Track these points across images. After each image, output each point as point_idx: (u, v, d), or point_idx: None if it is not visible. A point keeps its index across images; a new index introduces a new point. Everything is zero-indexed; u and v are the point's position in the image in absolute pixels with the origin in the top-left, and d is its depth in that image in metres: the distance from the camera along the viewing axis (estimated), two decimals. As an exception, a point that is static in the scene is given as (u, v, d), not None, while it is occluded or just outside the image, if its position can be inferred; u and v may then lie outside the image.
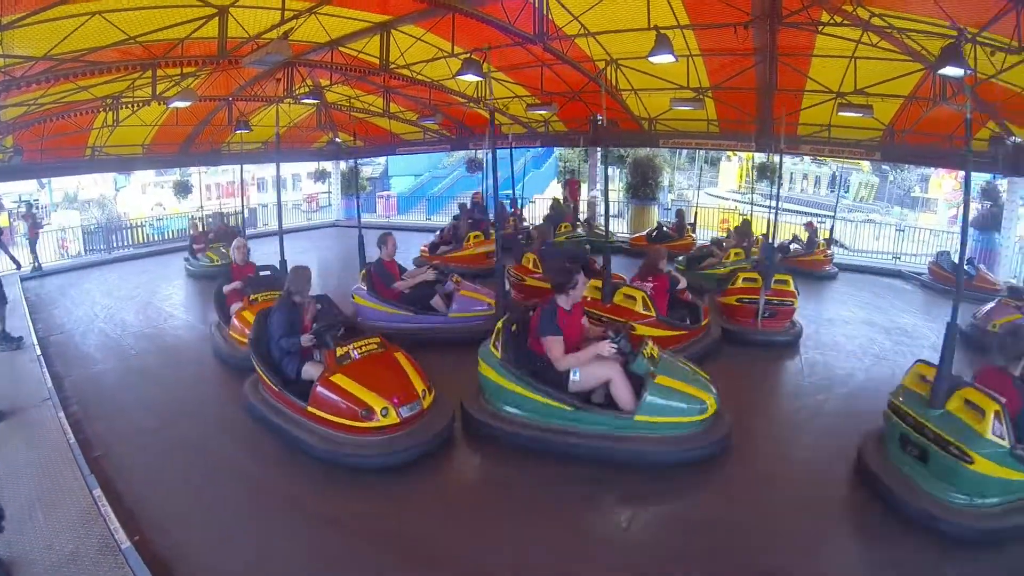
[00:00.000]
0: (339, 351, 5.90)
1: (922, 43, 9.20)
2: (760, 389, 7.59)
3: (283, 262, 9.33)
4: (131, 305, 11.74)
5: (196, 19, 9.54)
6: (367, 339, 6.22)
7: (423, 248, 14.33)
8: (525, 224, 18.45)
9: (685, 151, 32.73)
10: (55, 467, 5.31)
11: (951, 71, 7.76)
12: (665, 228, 16.35)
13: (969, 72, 8.05)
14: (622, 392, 5.54)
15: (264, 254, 13.11)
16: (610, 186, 10.56)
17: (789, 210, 25.05)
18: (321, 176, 25.96)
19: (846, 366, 8.26)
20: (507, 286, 9.59)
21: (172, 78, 12.34)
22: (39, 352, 8.51)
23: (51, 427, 6.12)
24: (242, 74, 13.83)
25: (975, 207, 17.46)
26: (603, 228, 16.39)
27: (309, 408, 5.69)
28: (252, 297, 8.34)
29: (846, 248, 18.06)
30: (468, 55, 10.59)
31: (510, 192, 18.12)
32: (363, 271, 9.34)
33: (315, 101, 16.05)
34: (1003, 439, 4.39)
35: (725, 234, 16.30)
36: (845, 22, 8.97)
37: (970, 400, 4.66)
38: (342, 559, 4.36)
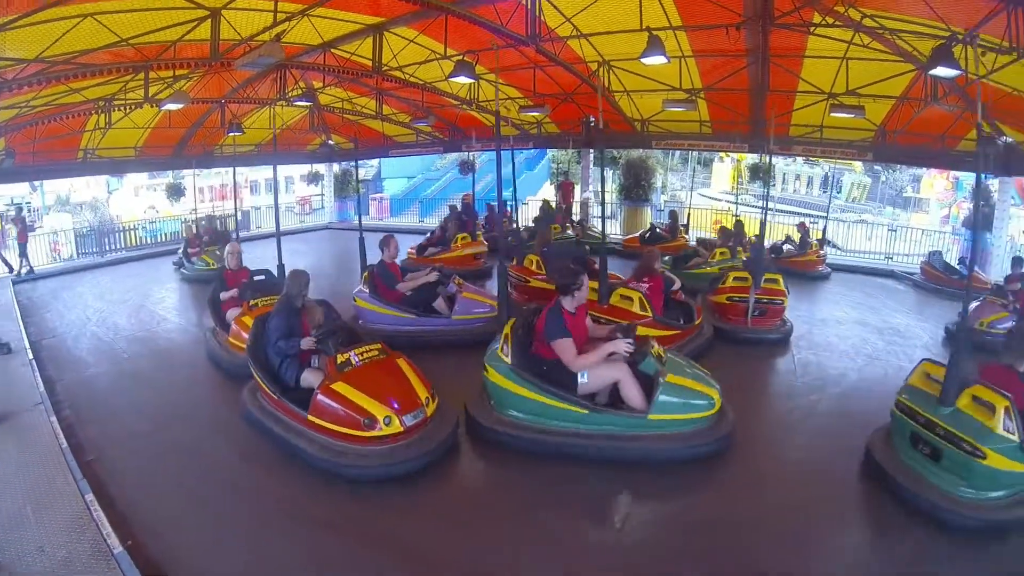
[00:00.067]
0: (339, 358, 5.79)
1: (913, 44, 9.24)
2: (753, 389, 7.63)
3: (280, 266, 9.30)
4: (124, 308, 11.69)
5: (188, 21, 9.51)
6: (368, 345, 6.11)
7: (411, 250, 14.29)
8: (515, 226, 18.47)
9: (678, 152, 32.84)
10: (47, 472, 5.29)
11: (942, 71, 7.81)
12: (658, 229, 16.38)
13: (960, 72, 8.08)
14: (632, 392, 5.59)
15: (258, 257, 13.09)
16: (607, 187, 10.58)
17: (782, 211, 25.16)
18: (314, 179, 25.93)
19: (839, 366, 8.29)
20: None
21: (165, 80, 12.31)
22: (31, 356, 8.48)
23: (43, 431, 6.09)
24: (235, 76, 13.80)
25: (966, 207, 17.56)
26: (595, 229, 16.50)
27: (310, 417, 5.58)
28: (251, 302, 8.24)
29: (839, 248, 18.13)
30: (461, 57, 10.59)
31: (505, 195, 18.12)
32: (365, 273, 9.31)
33: (308, 103, 16.03)
34: (1013, 434, 4.53)
35: (716, 235, 16.37)
36: (837, 23, 9.00)
37: (979, 397, 4.78)
38: (339, 562, 4.35)
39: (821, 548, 4.56)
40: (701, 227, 19.22)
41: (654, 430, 5.56)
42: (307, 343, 6.09)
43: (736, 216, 15.47)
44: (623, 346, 5.60)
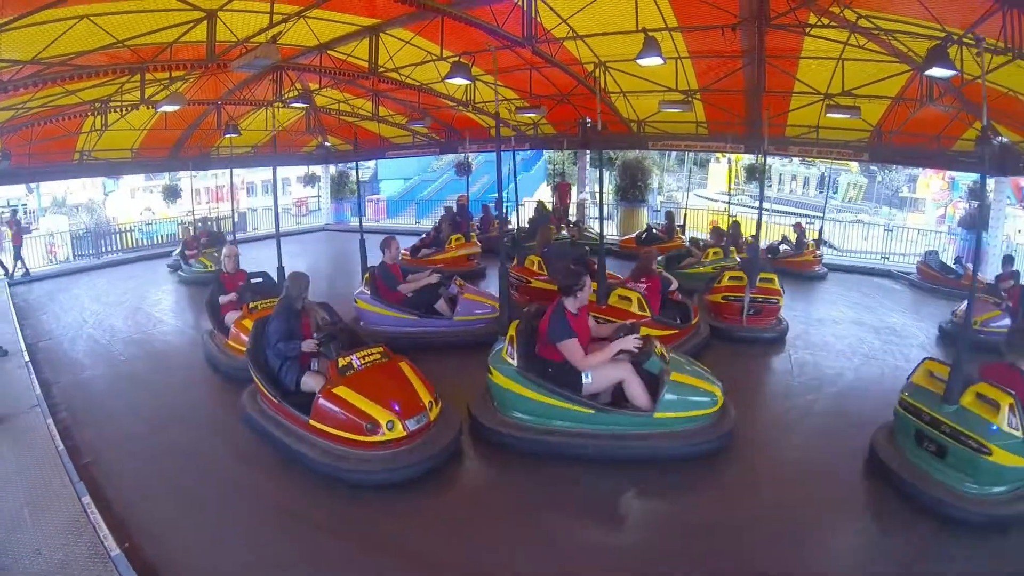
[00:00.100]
0: (341, 361, 5.71)
1: (909, 44, 9.26)
2: (751, 389, 7.61)
3: (280, 268, 9.28)
4: (120, 310, 11.68)
5: (185, 23, 9.50)
6: (370, 349, 6.04)
7: (404, 251, 14.27)
8: (510, 227, 18.50)
9: (674, 153, 32.87)
10: (44, 474, 5.28)
11: (938, 72, 7.84)
12: (655, 230, 16.40)
13: (956, 73, 8.11)
14: (637, 391, 5.63)
15: (255, 259, 13.06)
16: (600, 188, 10.61)
17: (779, 211, 25.21)
18: (310, 180, 25.90)
19: (836, 366, 8.31)
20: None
21: (161, 82, 12.30)
22: (27, 358, 8.47)
23: (40, 434, 6.07)
24: (231, 78, 13.79)
25: (962, 207, 17.61)
26: (592, 230, 16.51)
27: (311, 421, 5.51)
28: (251, 305, 8.18)
29: (835, 248, 18.16)
30: (457, 58, 10.59)
31: (497, 195, 18.10)
32: (366, 275, 9.31)
33: (304, 105, 16.02)
34: (1017, 430, 4.60)
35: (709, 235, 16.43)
36: (832, 24, 9.02)
37: (983, 394, 4.84)
38: (337, 563, 4.34)
39: (822, 548, 4.58)
40: (698, 228, 19.23)
41: (660, 428, 5.60)
42: (308, 346, 6.04)
43: (733, 217, 15.50)
44: (632, 342, 5.63)
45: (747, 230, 14.00)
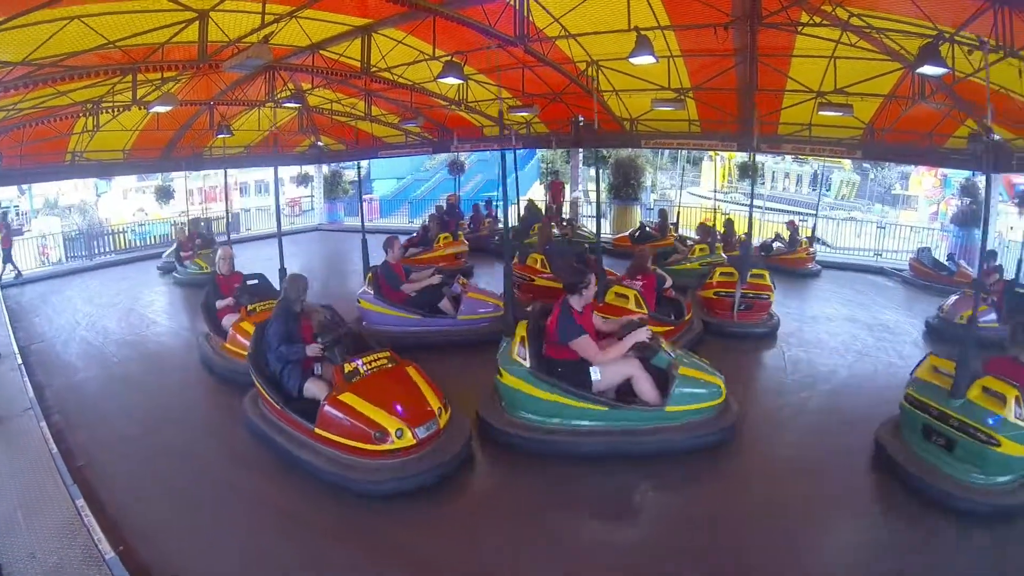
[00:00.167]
0: (347, 367, 5.59)
1: (900, 42, 9.29)
2: (746, 387, 7.62)
3: (282, 270, 9.20)
4: (113, 312, 11.65)
5: (176, 23, 9.44)
6: (376, 353, 5.94)
7: None
8: (500, 226, 18.55)
9: (667, 151, 32.88)
10: (38, 477, 5.27)
11: (929, 70, 7.86)
12: (648, 228, 16.44)
13: (947, 71, 8.14)
14: (646, 387, 5.73)
15: (253, 258, 13.04)
16: (594, 187, 10.64)
17: (772, 209, 25.25)
18: (304, 180, 25.84)
19: (829, 363, 8.36)
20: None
21: (153, 82, 12.24)
22: (20, 361, 8.43)
23: (33, 437, 6.06)
24: (223, 78, 13.74)
25: (955, 204, 17.67)
26: (585, 229, 16.55)
27: (316, 429, 5.39)
28: (250, 308, 8.10)
29: (829, 246, 18.22)
30: (449, 58, 10.58)
31: (491, 195, 18.14)
32: (369, 274, 9.30)
33: (297, 105, 15.99)
34: (1023, 421, 4.74)
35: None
36: (824, 22, 9.03)
37: (989, 388, 4.99)
38: (336, 565, 4.34)
39: (822, 548, 4.62)
40: (691, 226, 19.27)
41: (671, 422, 5.69)
42: (313, 350, 5.92)
43: (727, 215, 15.54)
44: (644, 334, 5.74)
45: (741, 228, 14.05)
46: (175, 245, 15.90)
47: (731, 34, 10.09)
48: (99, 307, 12.08)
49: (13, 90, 9.82)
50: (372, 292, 8.96)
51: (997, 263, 10.74)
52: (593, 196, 11.03)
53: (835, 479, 5.42)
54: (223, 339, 8.22)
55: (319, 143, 19.72)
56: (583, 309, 5.88)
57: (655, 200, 25.07)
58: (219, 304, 8.84)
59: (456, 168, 22.34)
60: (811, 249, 14.93)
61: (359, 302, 9.08)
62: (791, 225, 15.38)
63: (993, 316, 9.26)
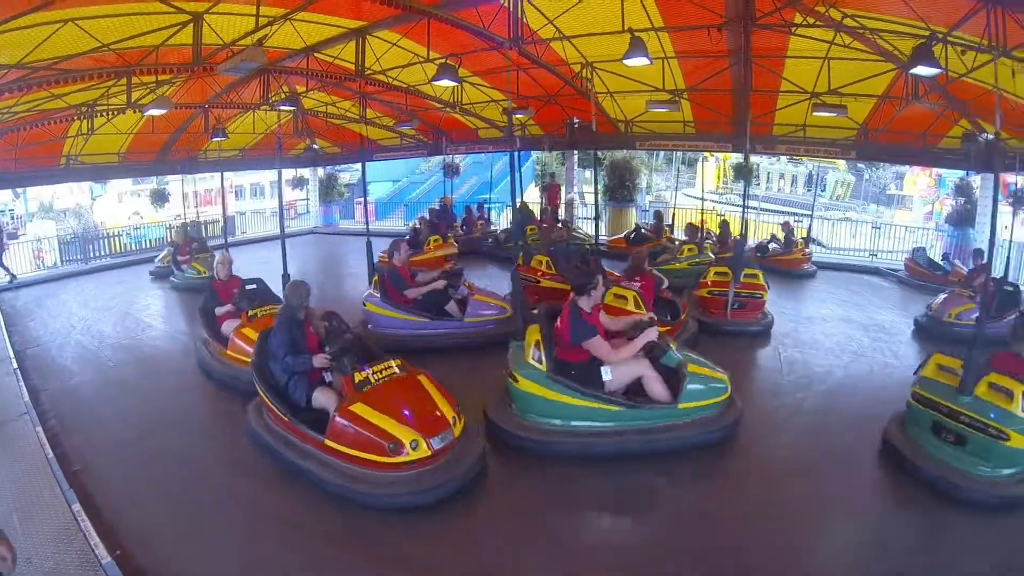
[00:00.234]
0: (357, 377, 5.40)
1: (894, 43, 9.33)
2: (741, 388, 7.62)
3: (285, 275, 9.03)
4: (108, 316, 11.60)
5: (170, 26, 9.44)
6: (385, 362, 5.71)
7: (382, 253, 14.13)
8: (493, 228, 18.65)
9: (662, 152, 32.94)
10: (33, 482, 5.24)
11: (923, 70, 7.90)
12: (643, 230, 16.43)
13: (941, 71, 8.19)
14: (656, 385, 5.80)
15: (246, 262, 13.02)
16: (590, 188, 10.65)
17: (767, 209, 25.31)
18: (299, 183, 25.80)
19: (825, 363, 8.37)
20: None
21: (147, 86, 12.23)
22: (15, 365, 8.39)
23: (29, 441, 6.03)
24: (218, 81, 13.72)
25: (949, 203, 17.73)
26: (580, 230, 16.57)
27: (326, 441, 5.21)
28: (251, 313, 7.93)
29: (824, 246, 18.26)
30: (444, 60, 10.59)
31: (485, 197, 18.14)
32: (375, 278, 9.29)
33: (292, 107, 15.98)
34: None
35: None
36: (818, 23, 9.07)
37: (996, 384, 5.12)
38: (335, 566, 4.34)
39: (822, 548, 4.64)
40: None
41: (681, 419, 5.78)
42: (321, 361, 5.71)
43: (722, 216, 15.58)
44: (654, 332, 5.85)
45: (736, 229, 14.09)
46: (165, 250, 15.84)
47: (725, 35, 10.13)
48: (94, 311, 12.02)
49: (7, 93, 9.82)
50: (379, 295, 8.93)
51: (983, 261, 10.79)
52: (588, 198, 11.04)
53: (833, 479, 5.44)
54: (222, 345, 8.07)
55: (314, 146, 19.70)
56: (591, 310, 5.92)
57: (650, 202, 25.10)
58: (219, 311, 8.60)
59: (450, 171, 22.34)
60: (807, 250, 14.95)
61: (365, 305, 9.03)
62: (786, 226, 15.39)
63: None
